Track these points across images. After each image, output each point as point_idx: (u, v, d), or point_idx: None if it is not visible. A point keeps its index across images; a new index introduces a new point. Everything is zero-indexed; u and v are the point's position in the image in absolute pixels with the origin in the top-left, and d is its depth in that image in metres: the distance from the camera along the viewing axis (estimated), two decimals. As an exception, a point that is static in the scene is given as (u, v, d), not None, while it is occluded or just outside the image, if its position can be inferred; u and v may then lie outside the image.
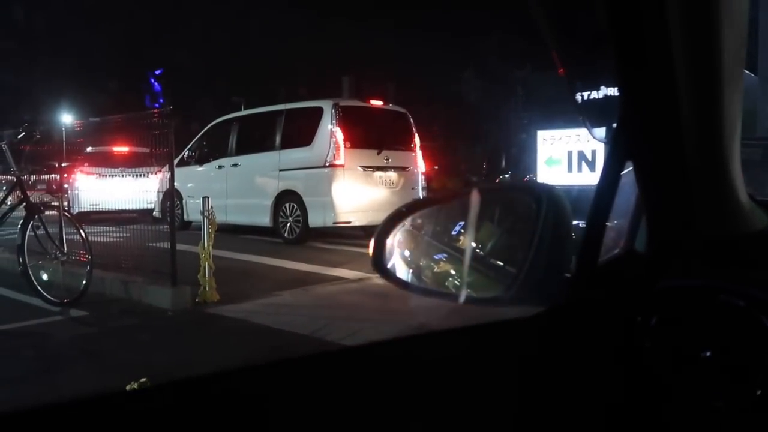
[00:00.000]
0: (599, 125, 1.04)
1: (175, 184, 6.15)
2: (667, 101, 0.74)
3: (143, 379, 0.87)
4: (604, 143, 0.86)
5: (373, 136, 8.91)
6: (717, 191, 0.80)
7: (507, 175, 26.35)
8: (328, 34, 27.51)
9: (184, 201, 9.65)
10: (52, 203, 6.05)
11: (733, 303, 0.73)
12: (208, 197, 5.61)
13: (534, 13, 0.83)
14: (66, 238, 5.48)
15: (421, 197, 9.12)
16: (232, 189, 9.35)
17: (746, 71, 0.90)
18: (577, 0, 0.87)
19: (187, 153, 10.26)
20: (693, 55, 0.70)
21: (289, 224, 8.68)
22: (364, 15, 27.12)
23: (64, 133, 7.13)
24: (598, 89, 0.98)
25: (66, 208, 6.27)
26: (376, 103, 9.51)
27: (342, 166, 8.37)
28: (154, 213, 8.40)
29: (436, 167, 23.61)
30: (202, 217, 5.52)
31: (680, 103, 0.73)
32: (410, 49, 26.44)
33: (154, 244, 6.00)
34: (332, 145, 8.39)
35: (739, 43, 0.73)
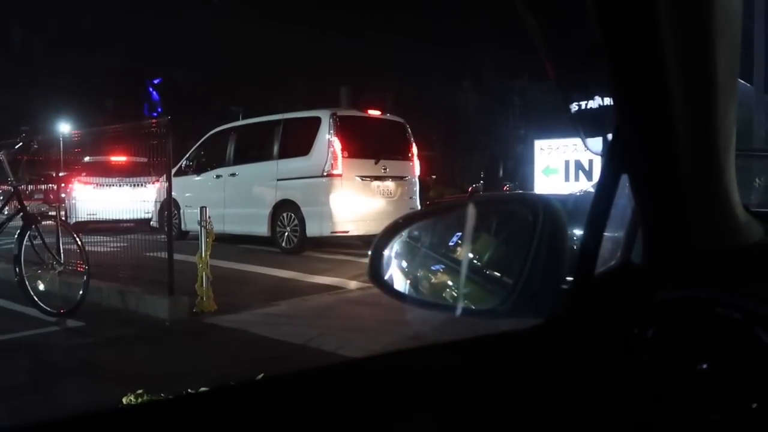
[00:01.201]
0: (594, 136, 1.04)
1: (172, 193, 6.14)
2: (661, 112, 0.74)
3: (140, 391, 0.87)
4: (600, 156, 0.87)
5: (370, 145, 8.93)
6: (713, 203, 0.80)
7: (479, 184, 26.26)
8: (327, 44, 27.61)
9: (181, 211, 9.64)
10: (50, 213, 6.04)
11: (729, 315, 0.73)
12: (205, 207, 5.60)
13: (528, 26, 0.84)
14: (63, 248, 5.47)
15: (419, 207, 9.14)
16: (229, 198, 9.35)
17: (741, 81, 0.91)
18: (570, 12, 0.87)
19: (184, 162, 10.26)
20: (687, 65, 0.71)
21: (286, 234, 8.68)
22: (362, 26, 27.25)
23: (61, 142, 7.13)
24: (593, 100, 0.99)
25: (63, 218, 6.27)
26: (374, 112, 9.54)
27: (340, 175, 8.39)
28: (151, 223, 8.40)
29: (434, 177, 23.67)
30: (199, 226, 5.51)
31: (675, 114, 0.73)
32: (408, 60, 26.54)
33: (152, 254, 5.99)
34: (330, 155, 8.41)
35: (733, 53, 0.73)
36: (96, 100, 27.68)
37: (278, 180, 8.83)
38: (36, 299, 5.09)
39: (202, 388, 0.99)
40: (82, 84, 27.35)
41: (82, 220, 9.21)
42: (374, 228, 7.72)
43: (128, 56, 27.80)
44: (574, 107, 1.05)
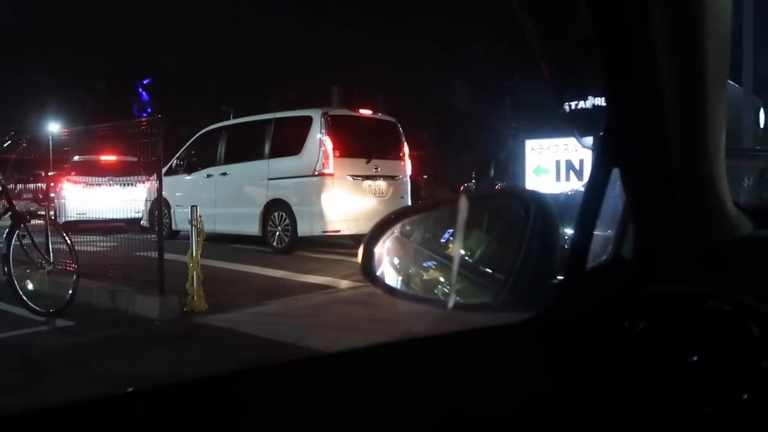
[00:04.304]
0: (588, 135, 1.04)
1: (163, 193, 6.11)
2: (652, 109, 0.74)
3: (129, 389, 0.86)
4: (591, 150, 0.87)
5: (362, 145, 8.93)
6: (702, 198, 0.81)
7: (471, 183, 26.34)
8: (318, 43, 27.60)
9: (172, 210, 9.59)
10: (39, 212, 6.01)
11: (719, 308, 0.74)
12: (196, 206, 5.58)
13: (522, 24, 0.84)
14: (52, 248, 5.44)
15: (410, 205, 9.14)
16: (220, 198, 9.31)
17: (729, 81, 0.92)
18: (564, 10, 0.88)
19: (175, 162, 10.20)
20: (677, 63, 0.71)
21: (277, 233, 8.66)
22: (353, 25, 27.25)
23: (50, 141, 7.07)
24: (585, 98, 0.99)
25: (52, 217, 6.23)
26: (365, 112, 9.54)
27: (331, 175, 8.38)
28: (141, 222, 8.36)
29: (425, 176, 23.71)
30: (190, 226, 5.49)
31: (666, 111, 0.74)
32: (399, 59, 26.59)
33: (142, 254, 5.96)
34: (321, 154, 8.39)
35: (722, 52, 0.74)
36: (86, 99, 27.51)
37: (269, 179, 8.80)
38: (25, 299, 5.05)
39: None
40: (71, 82, 27.17)
41: (72, 219, 9.14)
42: (365, 227, 7.69)
43: (119, 56, 27.64)
44: (567, 106, 1.06)
